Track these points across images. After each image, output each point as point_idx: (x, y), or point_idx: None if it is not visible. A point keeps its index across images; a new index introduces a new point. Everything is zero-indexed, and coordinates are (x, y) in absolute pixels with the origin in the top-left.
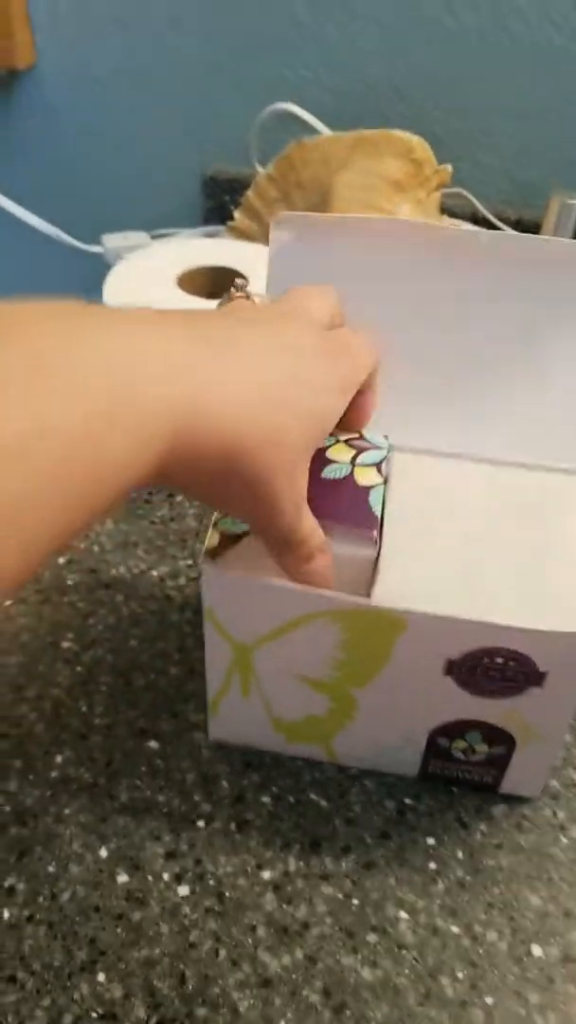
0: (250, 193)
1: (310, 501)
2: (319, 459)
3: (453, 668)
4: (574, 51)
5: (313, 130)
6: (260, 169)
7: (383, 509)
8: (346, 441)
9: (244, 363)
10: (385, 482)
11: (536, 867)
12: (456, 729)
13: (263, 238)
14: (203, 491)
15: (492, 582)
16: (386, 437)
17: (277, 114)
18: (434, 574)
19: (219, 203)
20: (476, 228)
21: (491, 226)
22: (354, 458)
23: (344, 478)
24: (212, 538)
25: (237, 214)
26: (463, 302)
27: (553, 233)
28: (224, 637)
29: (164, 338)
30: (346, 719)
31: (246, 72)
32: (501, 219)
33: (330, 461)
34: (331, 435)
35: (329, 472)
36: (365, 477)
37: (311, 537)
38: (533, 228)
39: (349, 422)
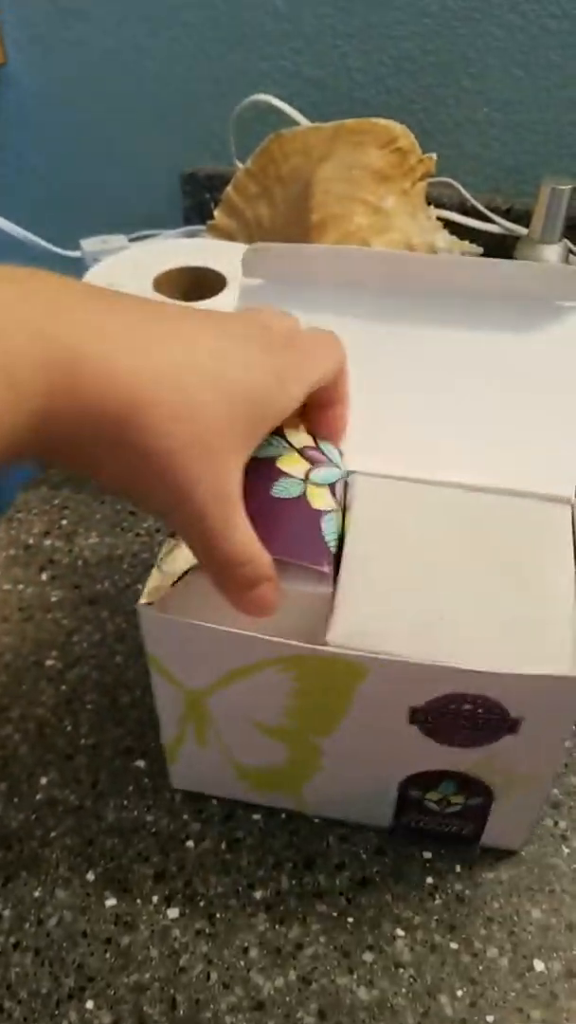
0: (229, 190)
1: (257, 520)
2: (268, 469)
3: (417, 716)
4: (563, 35)
5: (293, 122)
6: (240, 165)
7: (338, 539)
8: (300, 451)
9: (159, 328)
10: (341, 509)
11: (537, 879)
12: (428, 779)
13: (243, 235)
14: (95, 466)
15: (460, 621)
16: (340, 454)
17: (255, 106)
18: (396, 612)
19: (199, 201)
20: (468, 227)
21: (480, 215)
22: (307, 474)
23: (296, 498)
24: (154, 578)
25: (217, 212)
26: (433, 328)
27: (544, 219)
28: (173, 684)
29: (56, 288)
30: (311, 769)
31: (222, 64)
32: (490, 208)
33: (282, 474)
34: (284, 440)
35: (280, 489)
36: (319, 500)
37: (251, 558)
38: (523, 216)
39: (320, 435)
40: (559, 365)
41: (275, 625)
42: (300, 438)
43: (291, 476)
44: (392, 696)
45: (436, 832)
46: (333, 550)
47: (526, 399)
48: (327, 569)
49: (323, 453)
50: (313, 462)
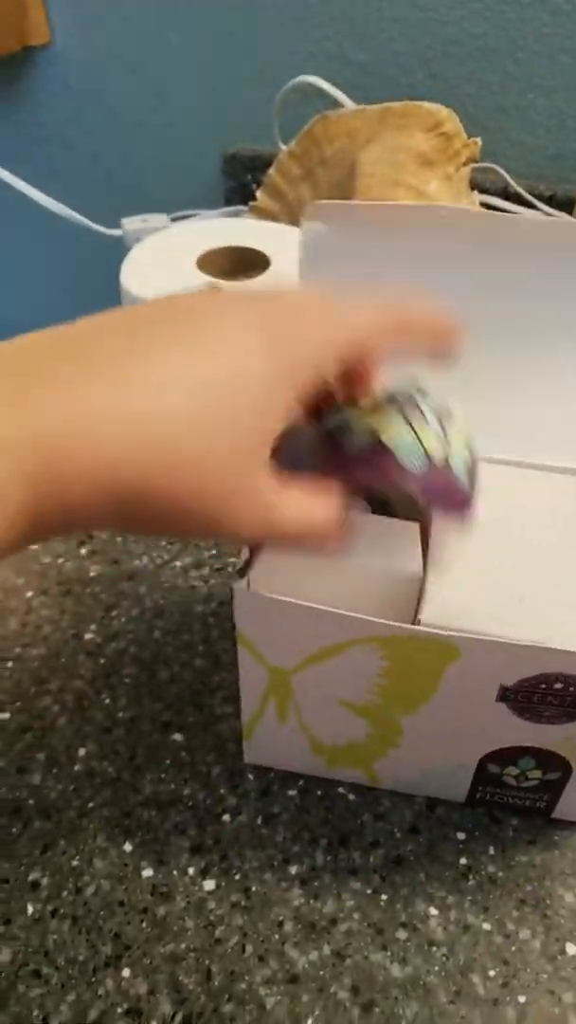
0: (272, 172)
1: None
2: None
3: (508, 695)
4: None
5: (338, 104)
6: (283, 146)
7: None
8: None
9: (136, 372)
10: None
11: (571, 863)
12: (509, 755)
13: (286, 217)
14: (125, 529)
15: (548, 601)
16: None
17: (300, 88)
18: (486, 593)
19: (241, 183)
20: (512, 213)
21: (524, 202)
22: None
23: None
24: (244, 550)
25: (259, 194)
26: (508, 290)
27: None
28: (259, 661)
29: (13, 372)
30: (390, 746)
31: (268, 45)
32: (534, 194)
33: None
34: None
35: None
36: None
37: (309, 528)
38: (567, 204)
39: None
40: None
41: (365, 603)
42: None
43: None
44: (483, 676)
45: (511, 805)
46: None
47: None
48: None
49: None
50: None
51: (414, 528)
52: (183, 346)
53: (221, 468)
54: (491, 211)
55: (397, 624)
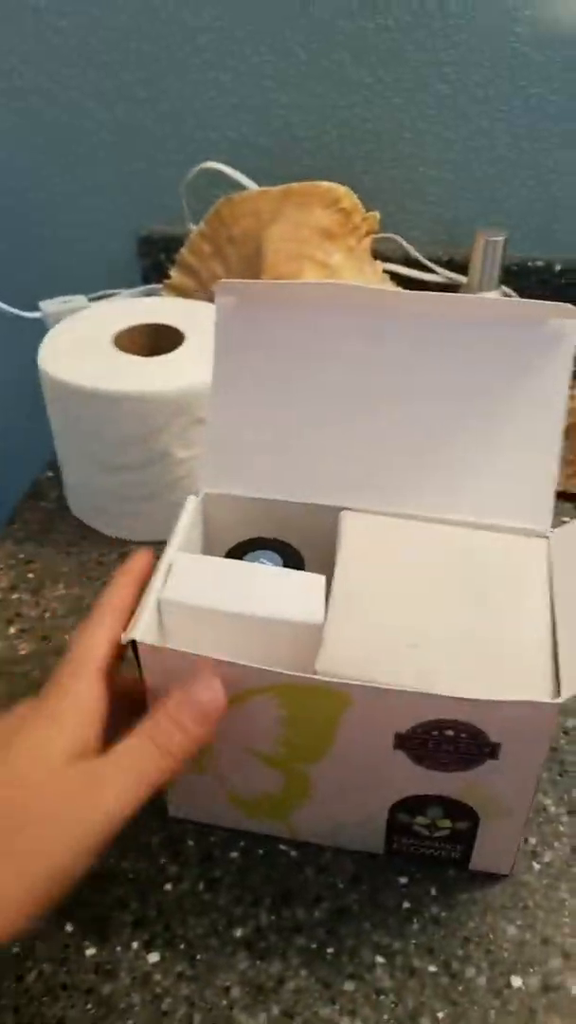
0: (184, 251)
1: None
2: None
3: (404, 742)
4: (488, 102)
5: (242, 186)
6: (193, 227)
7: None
8: None
9: None
10: None
11: (511, 896)
12: (416, 804)
13: (200, 293)
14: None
15: (441, 649)
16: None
17: (206, 173)
18: (380, 641)
19: (156, 261)
20: (413, 279)
21: (423, 267)
22: None
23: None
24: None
25: (173, 272)
26: (409, 362)
27: (480, 269)
28: None
29: None
30: (302, 796)
31: (174, 134)
32: (432, 259)
33: None
34: None
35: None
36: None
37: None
38: (463, 265)
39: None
40: (529, 392)
41: (269, 655)
42: None
43: None
44: (377, 723)
45: (427, 856)
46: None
47: (503, 431)
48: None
49: None
50: None
51: (319, 580)
52: None
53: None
54: (387, 289)
55: (288, 672)
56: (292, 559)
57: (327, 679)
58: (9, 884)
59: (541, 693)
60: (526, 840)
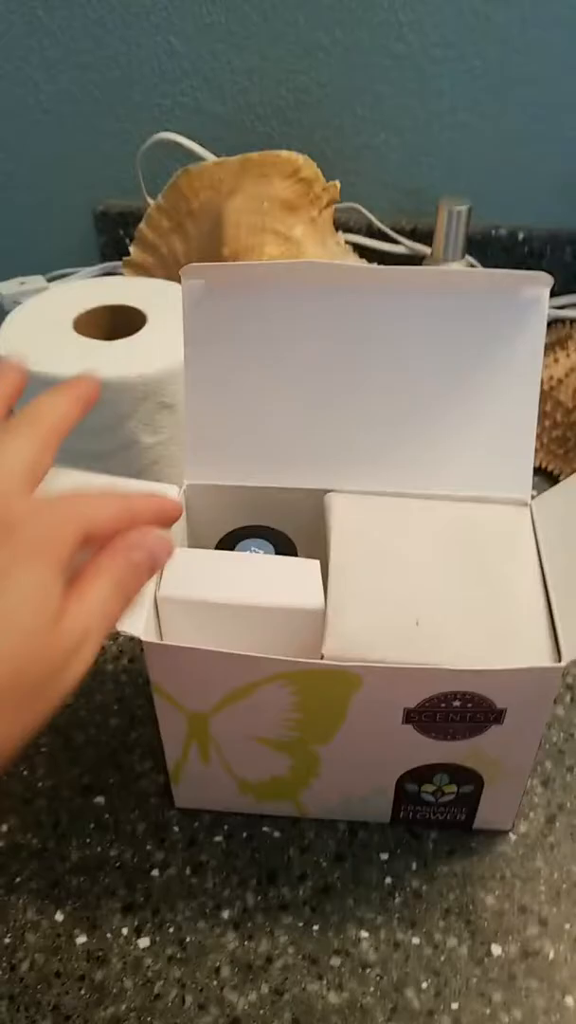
0: (143, 226)
1: None
2: None
3: (412, 716)
4: (448, 63)
5: (199, 157)
6: (151, 201)
7: None
8: None
9: None
10: None
11: (488, 867)
12: (423, 773)
13: (160, 271)
14: None
15: (442, 623)
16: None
17: (161, 144)
18: (384, 621)
19: (114, 238)
20: (377, 249)
21: (387, 237)
22: None
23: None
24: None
25: (132, 248)
26: (383, 338)
27: (444, 239)
28: (176, 708)
29: None
30: (311, 776)
31: (125, 104)
32: (395, 229)
33: None
34: None
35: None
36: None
37: (82, 638)
38: (427, 235)
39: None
40: (504, 363)
41: (272, 643)
42: None
43: None
44: (386, 700)
45: (433, 821)
46: None
47: (480, 402)
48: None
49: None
50: None
51: (314, 564)
52: None
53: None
54: (357, 265)
55: (300, 660)
56: (283, 545)
57: (337, 663)
58: None
59: (543, 658)
60: None
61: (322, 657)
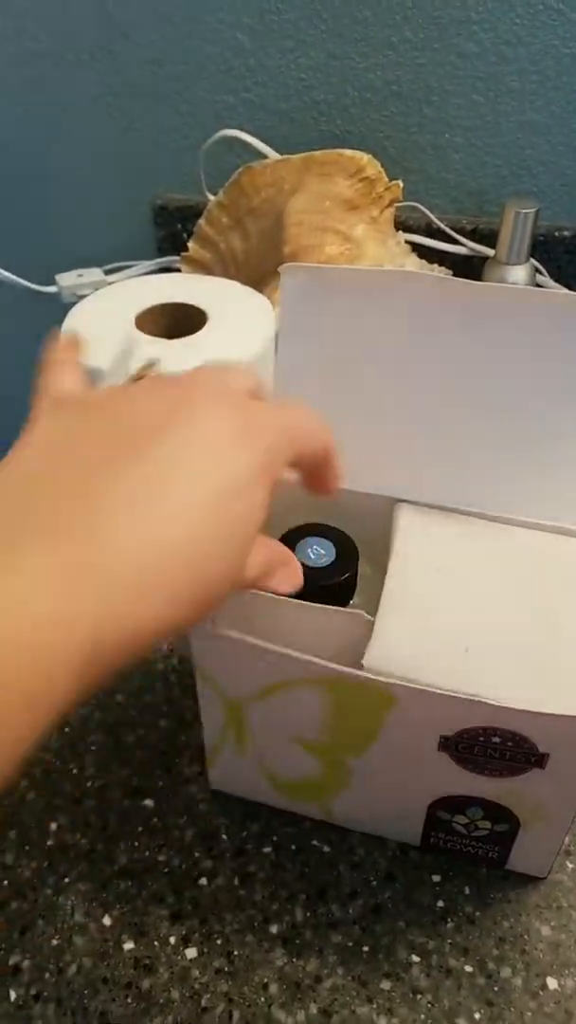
0: (202, 222)
1: None
2: None
3: (448, 745)
4: (519, 62)
5: (262, 154)
6: (211, 197)
7: None
8: None
9: (113, 532)
10: None
11: (544, 896)
12: (456, 803)
13: (218, 267)
14: None
15: (493, 654)
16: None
17: (224, 140)
18: (432, 641)
19: (172, 232)
20: (438, 249)
21: (447, 237)
22: None
23: None
24: None
25: (191, 244)
26: (477, 355)
27: (509, 243)
28: (216, 693)
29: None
30: (341, 786)
31: (189, 99)
32: (456, 229)
33: None
34: None
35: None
36: None
37: (260, 576)
38: (490, 237)
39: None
40: None
41: (320, 645)
42: None
43: None
44: (422, 724)
45: (463, 853)
46: None
47: (572, 430)
48: None
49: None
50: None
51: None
52: (158, 472)
53: (223, 578)
54: (457, 280)
55: (334, 666)
56: (345, 548)
57: (373, 677)
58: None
59: None
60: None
61: (362, 668)
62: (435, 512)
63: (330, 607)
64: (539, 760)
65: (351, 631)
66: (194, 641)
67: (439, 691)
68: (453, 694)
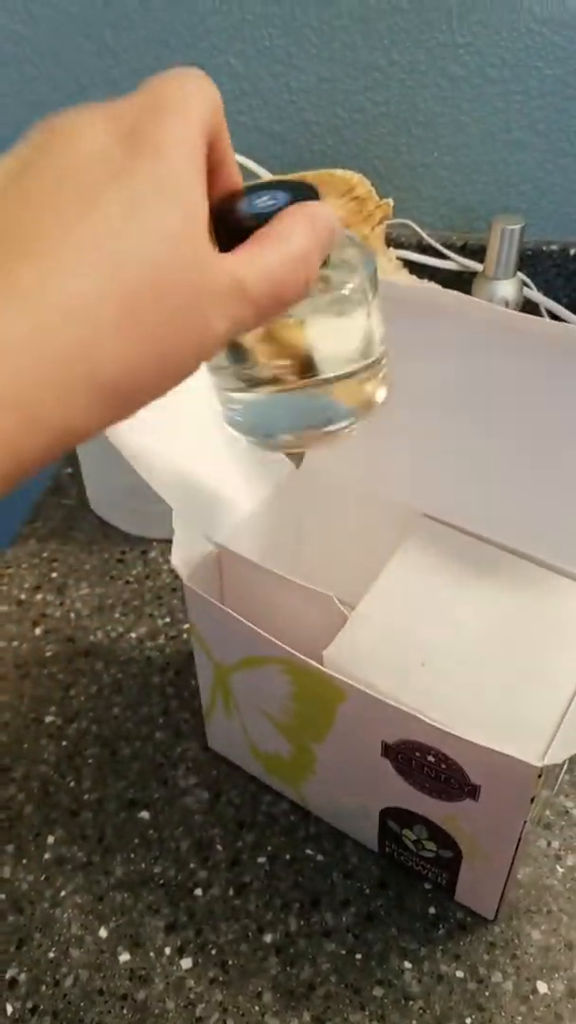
0: None
1: None
2: None
3: (390, 752)
4: (504, 83)
5: (255, 175)
6: None
7: None
8: None
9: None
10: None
11: (535, 900)
12: (403, 817)
13: None
14: (112, 411)
15: (450, 676)
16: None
17: None
18: (393, 650)
19: None
20: (428, 265)
21: (437, 253)
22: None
23: None
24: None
25: None
26: (513, 385)
27: (496, 257)
28: (207, 655)
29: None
30: (308, 771)
31: None
32: (446, 245)
33: None
34: None
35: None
36: None
37: (289, 253)
38: (479, 251)
39: (213, 172)
40: None
41: (297, 624)
42: None
43: None
44: (367, 726)
45: (415, 872)
46: None
47: None
48: None
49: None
50: None
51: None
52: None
53: (181, 275)
54: (495, 308)
55: (292, 651)
56: (302, 193)
57: (325, 670)
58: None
59: (530, 751)
60: (549, 844)
61: (322, 660)
62: (449, 530)
63: (302, 584)
64: (472, 791)
65: (322, 615)
66: (187, 599)
67: (379, 696)
68: (391, 702)
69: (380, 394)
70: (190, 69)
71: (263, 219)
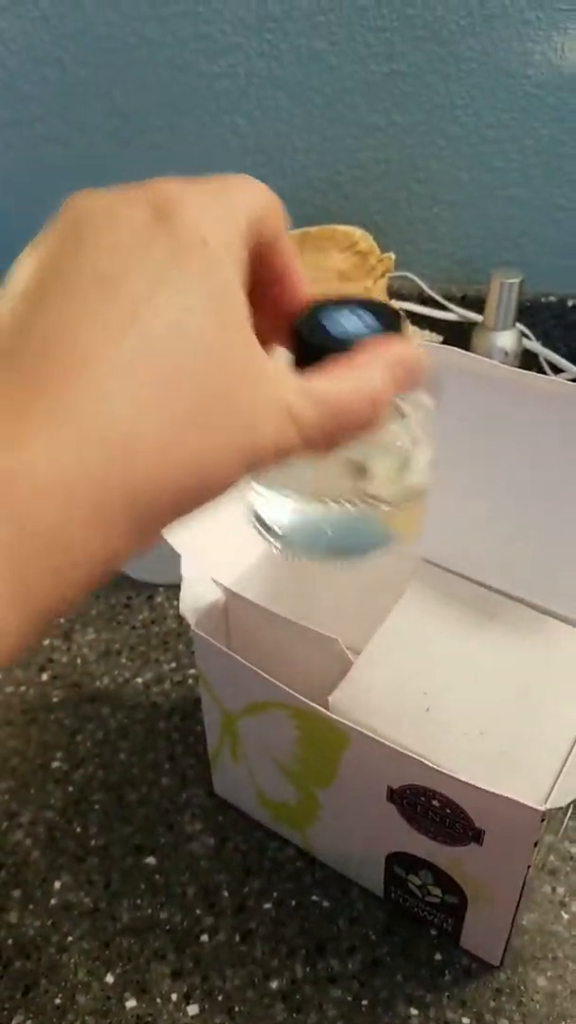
0: None
1: None
2: None
3: (395, 797)
4: (500, 143)
5: None
6: None
7: None
8: None
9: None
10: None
11: (540, 947)
12: (410, 862)
13: None
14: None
15: (454, 723)
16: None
17: None
18: (399, 695)
19: None
20: (430, 316)
21: (438, 305)
22: None
23: None
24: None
25: None
26: (507, 436)
27: (496, 310)
28: (214, 700)
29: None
30: (313, 817)
31: (193, 175)
32: (447, 297)
33: None
34: None
35: None
36: None
37: (351, 393)
38: (478, 303)
39: (276, 282)
40: None
41: (303, 675)
42: None
43: None
44: (372, 771)
45: (421, 918)
46: None
47: None
48: None
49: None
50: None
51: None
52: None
53: (227, 392)
54: (515, 370)
55: (298, 696)
56: (388, 320)
57: (330, 715)
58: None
59: (533, 795)
60: (554, 890)
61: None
62: (454, 577)
63: (309, 628)
64: (476, 835)
65: (328, 660)
66: (196, 647)
67: (384, 741)
68: (395, 747)
69: (423, 522)
70: (241, 175)
71: (348, 345)
